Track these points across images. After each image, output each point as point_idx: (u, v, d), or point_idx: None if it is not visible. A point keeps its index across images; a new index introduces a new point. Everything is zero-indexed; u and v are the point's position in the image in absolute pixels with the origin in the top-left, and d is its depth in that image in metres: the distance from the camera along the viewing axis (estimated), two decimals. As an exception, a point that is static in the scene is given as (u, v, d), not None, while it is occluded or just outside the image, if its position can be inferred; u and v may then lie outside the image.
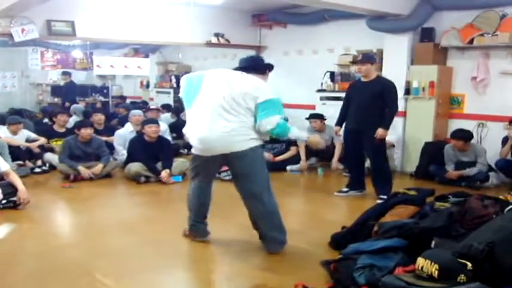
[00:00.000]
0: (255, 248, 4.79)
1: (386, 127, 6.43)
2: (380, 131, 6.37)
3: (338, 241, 4.62)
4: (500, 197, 4.31)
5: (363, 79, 6.63)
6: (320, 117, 8.81)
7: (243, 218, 5.76)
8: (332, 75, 9.67)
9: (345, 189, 6.90)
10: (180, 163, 7.91)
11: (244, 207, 4.78)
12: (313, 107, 9.78)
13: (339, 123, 6.92)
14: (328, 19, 9.84)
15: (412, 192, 4.80)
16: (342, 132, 6.94)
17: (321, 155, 8.85)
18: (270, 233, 4.65)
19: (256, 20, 11.22)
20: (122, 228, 5.48)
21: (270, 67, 4.88)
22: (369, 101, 6.43)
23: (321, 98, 9.72)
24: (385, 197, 6.36)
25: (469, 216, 3.78)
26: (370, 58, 6.63)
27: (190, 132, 4.54)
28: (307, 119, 8.96)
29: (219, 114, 4.35)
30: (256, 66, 4.75)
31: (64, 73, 14.46)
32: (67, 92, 14.20)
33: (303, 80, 10.49)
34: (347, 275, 3.67)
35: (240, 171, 4.55)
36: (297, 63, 10.79)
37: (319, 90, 9.80)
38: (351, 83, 7.41)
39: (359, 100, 6.56)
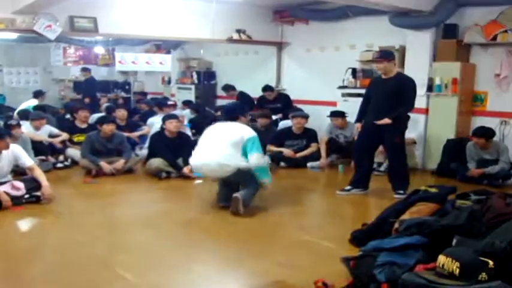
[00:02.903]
0: (276, 245, 4.81)
1: (392, 118, 6.29)
2: (384, 119, 6.31)
3: (358, 238, 4.62)
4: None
5: (383, 76, 6.57)
6: (341, 114, 8.78)
7: (264, 215, 5.80)
8: (354, 71, 9.62)
9: (348, 187, 6.82)
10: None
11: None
12: (334, 104, 9.74)
13: (358, 119, 6.84)
14: (350, 15, 9.77)
15: (434, 190, 4.75)
16: None
17: (342, 152, 8.82)
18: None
19: (278, 16, 11.19)
20: (143, 223, 5.52)
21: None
22: (387, 98, 6.39)
23: (343, 95, 9.66)
24: (401, 192, 6.37)
25: (491, 214, 3.73)
26: (387, 55, 6.56)
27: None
28: (329, 116, 8.93)
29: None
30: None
31: (84, 69, 14.51)
32: (87, 88, 14.29)
33: (325, 77, 10.44)
34: (367, 272, 3.65)
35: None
36: (319, 59, 10.73)
37: (340, 87, 9.74)
38: (371, 79, 7.35)
39: (378, 97, 6.52)
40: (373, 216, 4.82)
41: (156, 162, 7.63)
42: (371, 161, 6.87)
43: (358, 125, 6.84)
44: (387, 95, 6.39)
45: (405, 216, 4.35)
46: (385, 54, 6.59)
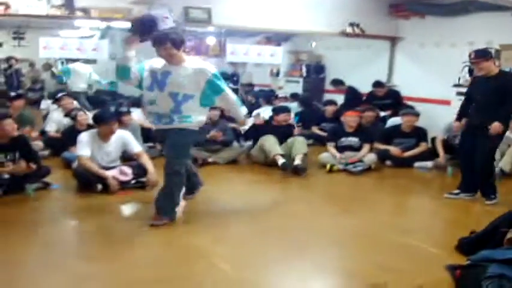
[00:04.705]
0: (377, 246, 4.65)
1: (503, 121, 5.93)
2: (494, 125, 5.88)
3: (466, 246, 4.35)
4: None
5: (482, 75, 6.16)
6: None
7: (366, 215, 5.64)
8: (471, 70, 9.16)
9: (456, 191, 6.46)
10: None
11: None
12: (448, 103, 9.35)
13: (458, 118, 6.48)
14: (471, 10, 9.30)
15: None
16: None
17: (454, 153, 8.42)
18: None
19: (393, 9, 10.84)
20: (245, 215, 5.49)
21: None
22: (491, 99, 5.99)
23: (458, 94, 9.23)
24: (493, 196, 6.08)
25: None
26: (485, 54, 6.13)
27: None
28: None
29: None
30: None
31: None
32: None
33: (439, 74, 10.03)
34: (474, 283, 3.40)
35: None
36: (434, 55, 10.31)
37: (455, 85, 9.32)
38: (472, 78, 6.92)
39: (480, 98, 6.15)
40: (482, 223, 4.50)
41: (269, 142, 7.65)
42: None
43: (457, 124, 6.48)
44: (490, 95, 6.00)
45: (520, 226, 4.05)
46: (483, 53, 6.16)
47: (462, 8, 9.40)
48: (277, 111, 8.35)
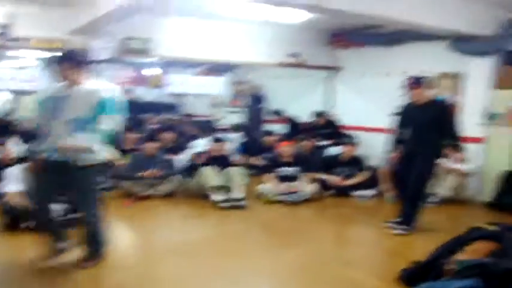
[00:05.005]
0: (318, 281, 4.52)
1: (461, 149, 6.15)
2: (458, 155, 6.31)
3: (408, 277, 4.25)
4: None
5: (414, 102, 6.26)
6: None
7: (309, 245, 5.53)
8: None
9: (397, 220, 6.35)
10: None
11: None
12: (385, 131, 9.38)
13: (395, 149, 6.46)
14: (405, 40, 9.43)
15: (492, 227, 4.35)
16: None
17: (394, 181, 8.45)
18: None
19: (334, 39, 10.89)
20: (182, 251, 5.27)
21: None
22: (426, 126, 6.07)
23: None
24: (408, 227, 6.09)
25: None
26: (420, 81, 6.23)
27: None
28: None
29: None
30: None
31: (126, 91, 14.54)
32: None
33: (376, 103, 10.09)
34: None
35: None
36: (371, 85, 10.40)
37: (392, 114, 9.36)
38: (401, 106, 6.90)
39: (415, 125, 6.21)
40: (424, 252, 4.42)
41: (208, 175, 7.50)
42: None
43: (395, 155, 6.44)
44: (425, 122, 6.08)
45: (461, 256, 3.97)
46: (417, 81, 6.25)
47: (399, 38, 9.52)
48: (212, 141, 8.32)
